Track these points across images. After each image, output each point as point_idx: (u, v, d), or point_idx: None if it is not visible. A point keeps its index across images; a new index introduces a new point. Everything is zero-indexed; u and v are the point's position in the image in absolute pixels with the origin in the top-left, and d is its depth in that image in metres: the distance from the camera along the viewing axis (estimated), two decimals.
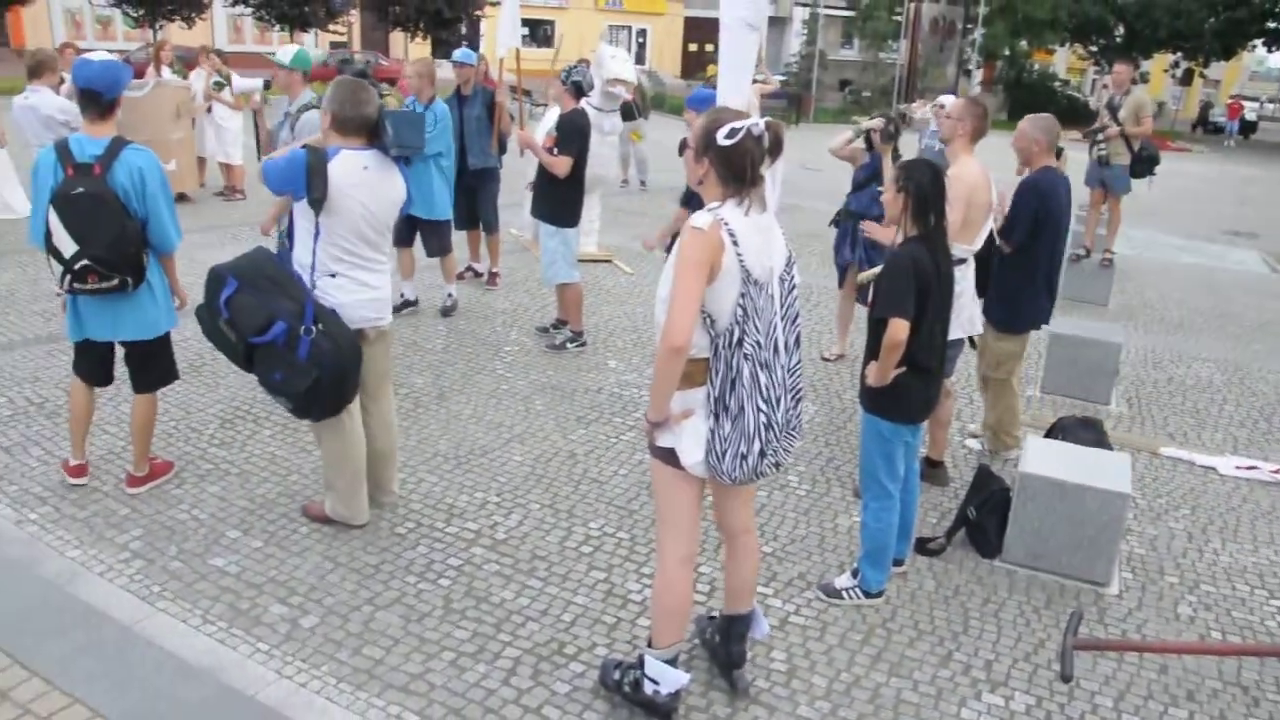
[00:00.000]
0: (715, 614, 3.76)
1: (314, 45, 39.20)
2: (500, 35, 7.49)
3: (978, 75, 39.14)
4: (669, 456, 3.17)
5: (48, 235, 4.16)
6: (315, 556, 4.27)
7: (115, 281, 4.26)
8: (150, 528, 4.43)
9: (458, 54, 8.48)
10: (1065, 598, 4.36)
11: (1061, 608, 4.27)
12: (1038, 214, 5.23)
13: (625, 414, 6.10)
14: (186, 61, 13.30)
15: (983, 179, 4.88)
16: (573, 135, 6.81)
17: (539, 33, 47.81)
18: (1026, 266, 5.31)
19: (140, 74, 12.87)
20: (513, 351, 7.17)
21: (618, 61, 9.51)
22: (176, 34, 32.80)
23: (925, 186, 3.87)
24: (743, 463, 3.08)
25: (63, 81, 8.52)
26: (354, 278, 4.18)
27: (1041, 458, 4.63)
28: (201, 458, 5.16)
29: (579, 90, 7.04)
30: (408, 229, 7.56)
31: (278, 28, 35.62)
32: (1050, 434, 5.34)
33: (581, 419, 5.98)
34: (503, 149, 8.85)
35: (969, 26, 37.43)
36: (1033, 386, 7.03)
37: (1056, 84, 44.15)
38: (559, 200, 6.98)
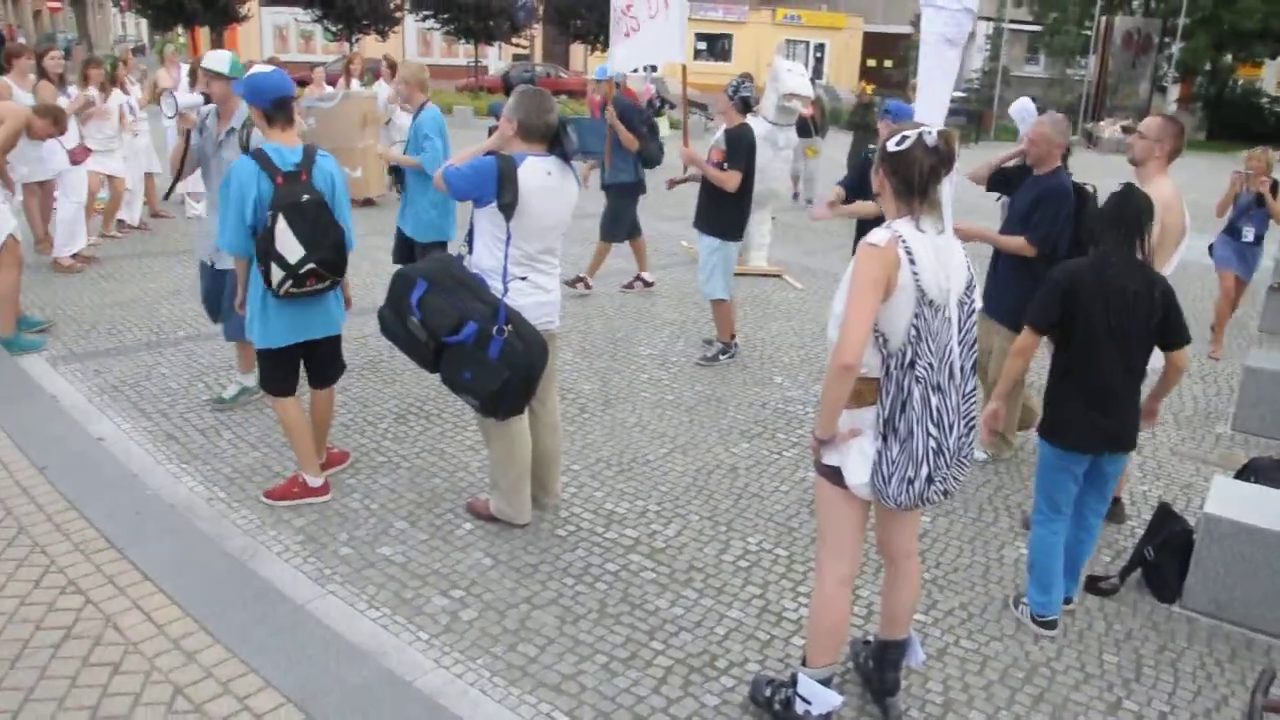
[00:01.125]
0: (871, 638, 3.67)
1: (497, 58, 40.47)
2: (665, 50, 7.32)
3: (1174, 92, 37.11)
4: (834, 475, 3.12)
5: (267, 241, 4.29)
6: (477, 552, 4.39)
7: (329, 282, 4.49)
8: (324, 513, 4.64)
9: (599, 70, 8.58)
10: (1253, 652, 4.06)
11: (1248, 663, 3.98)
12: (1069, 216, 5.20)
13: (789, 430, 6.04)
14: (376, 72, 13.93)
15: (1176, 201, 4.62)
16: (740, 150, 6.80)
17: (716, 47, 48.12)
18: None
19: (332, 84, 13.59)
20: (678, 362, 7.20)
21: (794, 76, 9.46)
22: (370, 46, 34.43)
23: (1125, 208, 3.73)
24: (909, 488, 3.00)
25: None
26: (533, 281, 4.29)
27: (1230, 499, 4.34)
28: (375, 450, 5.38)
29: (746, 105, 7.01)
30: (406, 252, 6.80)
31: (464, 41, 36.94)
32: (1241, 475, 5.00)
33: (745, 433, 5.95)
34: (646, 163, 8.86)
35: (1166, 40, 35.52)
36: (1223, 423, 6.61)
37: (1264, 101, 41.27)
38: (723, 215, 6.98)
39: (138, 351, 6.75)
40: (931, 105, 5.69)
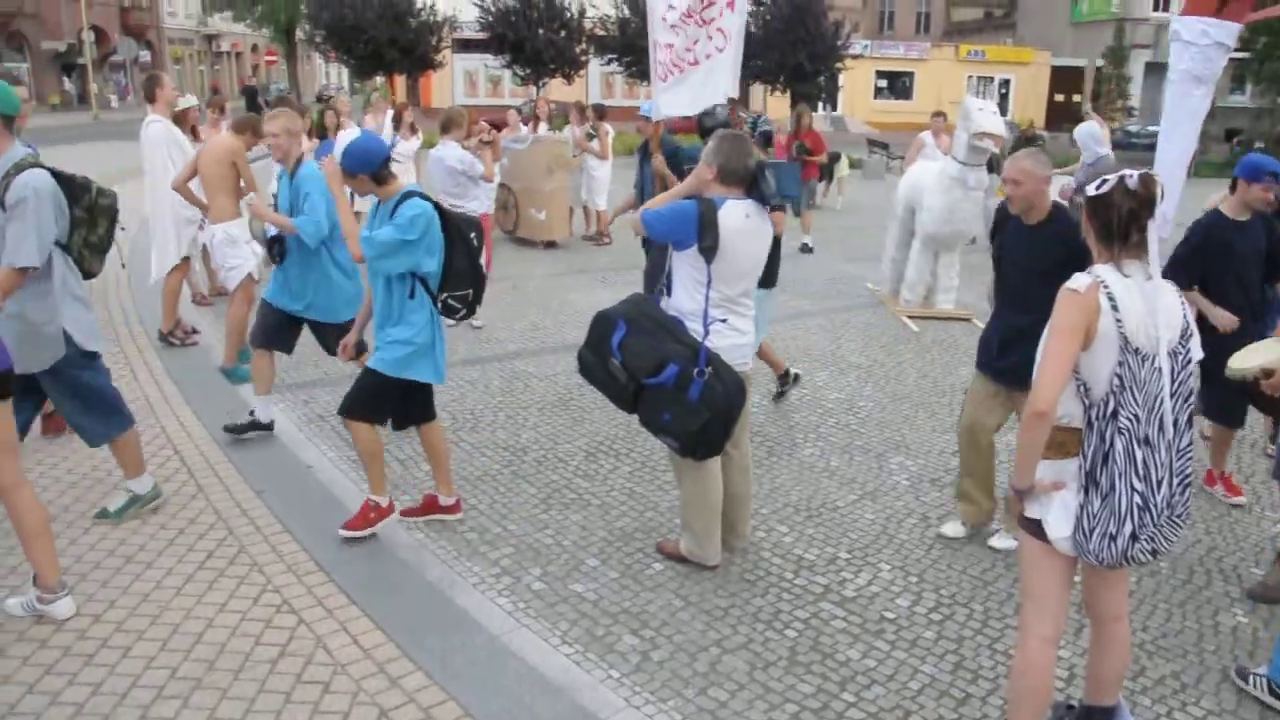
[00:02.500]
0: (1075, 703, 3.50)
1: None
2: (719, 89, 6.57)
3: None
4: (1036, 529, 3.01)
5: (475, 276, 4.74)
6: (667, 593, 4.40)
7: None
8: (519, 548, 4.76)
9: (644, 107, 7.89)
10: None
11: None
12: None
13: None
14: (566, 115, 14.41)
15: None
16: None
17: (897, 85, 47.51)
18: None
19: (528, 124, 14.09)
20: (866, 406, 7.07)
21: (985, 114, 9.23)
22: (556, 90, 35.54)
23: None
24: (1110, 544, 2.86)
25: (469, 136, 9.44)
26: (732, 323, 4.31)
27: None
28: (566, 487, 5.48)
29: (767, 140, 6.56)
30: (285, 330, 5.96)
31: (645, 83, 37.67)
32: None
33: (935, 481, 5.79)
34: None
35: None
36: None
37: None
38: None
39: (341, 384, 7.05)
40: (1175, 149, 5.42)
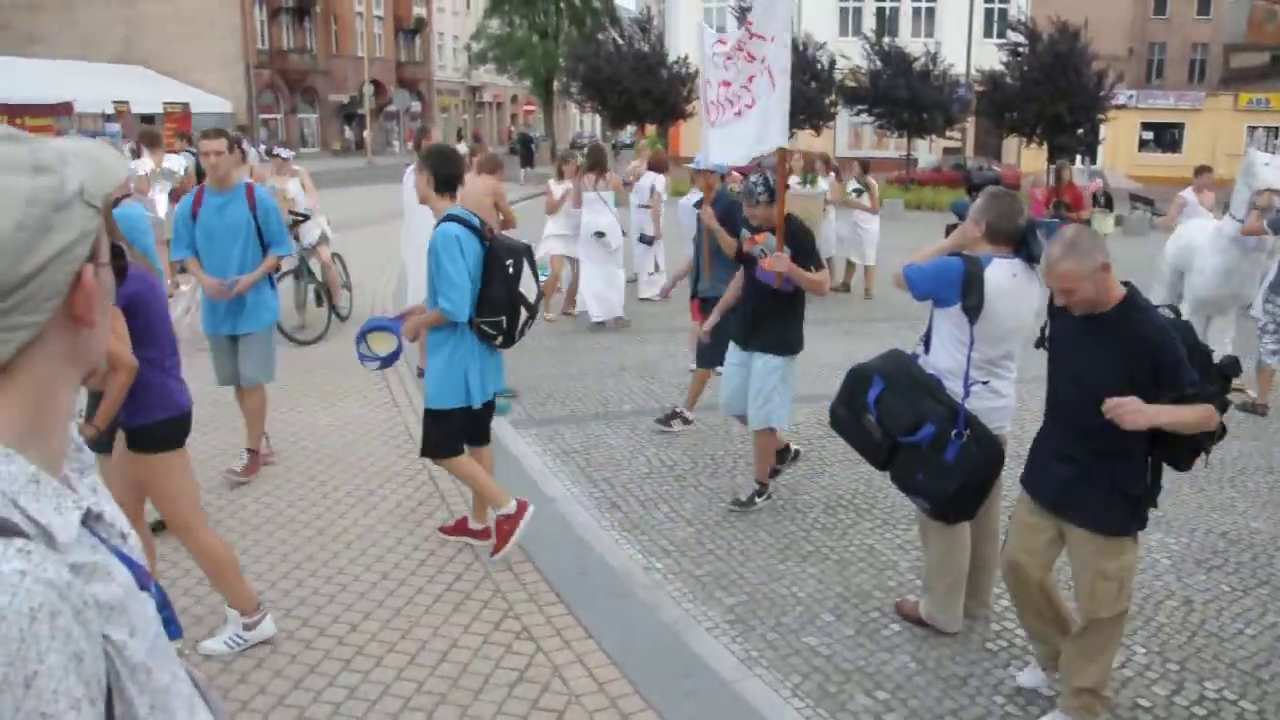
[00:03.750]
0: None
1: (927, 150, 40.32)
2: (772, 136, 5.71)
3: None
4: None
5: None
6: (904, 655, 4.27)
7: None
8: (753, 595, 4.74)
9: (699, 158, 7.44)
10: None
11: None
12: None
13: (1255, 565, 5.34)
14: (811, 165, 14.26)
15: None
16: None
17: (1165, 137, 44.75)
18: None
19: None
20: None
21: (1272, 170, 8.57)
22: (805, 141, 35.61)
23: None
24: None
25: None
26: (993, 385, 4.18)
27: None
28: (804, 538, 5.42)
29: (772, 197, 5.61)
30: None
31: (895, 134, 37.19)
32: None
33: (1201, 562, 5.35)
34: None
35: None
36: None
37: None
38: (792, 325, 5.69)
39: (587, 421, 7.34)
40: None
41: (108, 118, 35.80)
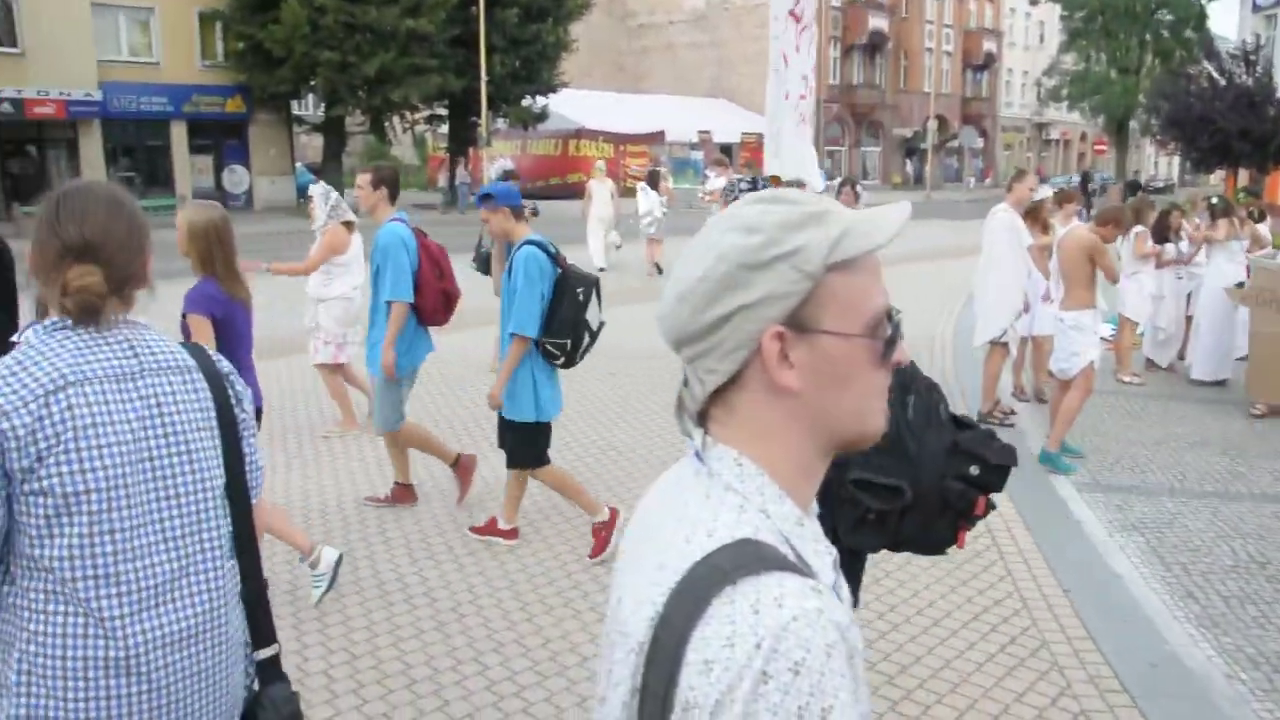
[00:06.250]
0: None
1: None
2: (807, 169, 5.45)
3: None
4: None
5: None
6: None
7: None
8: None
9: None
10: None
11: None
12: None
13: None
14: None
15: None
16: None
17: None
18: None
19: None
20: None
21: None
22: None
23: None
24: None
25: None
26: None
27: None
28: None
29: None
30: None
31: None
32: None
33: None
34: None
35: None
36: None
37: None
38: None
39: (1159, 495, 6.69)
40: None
41: (692, 145, 39.64)
